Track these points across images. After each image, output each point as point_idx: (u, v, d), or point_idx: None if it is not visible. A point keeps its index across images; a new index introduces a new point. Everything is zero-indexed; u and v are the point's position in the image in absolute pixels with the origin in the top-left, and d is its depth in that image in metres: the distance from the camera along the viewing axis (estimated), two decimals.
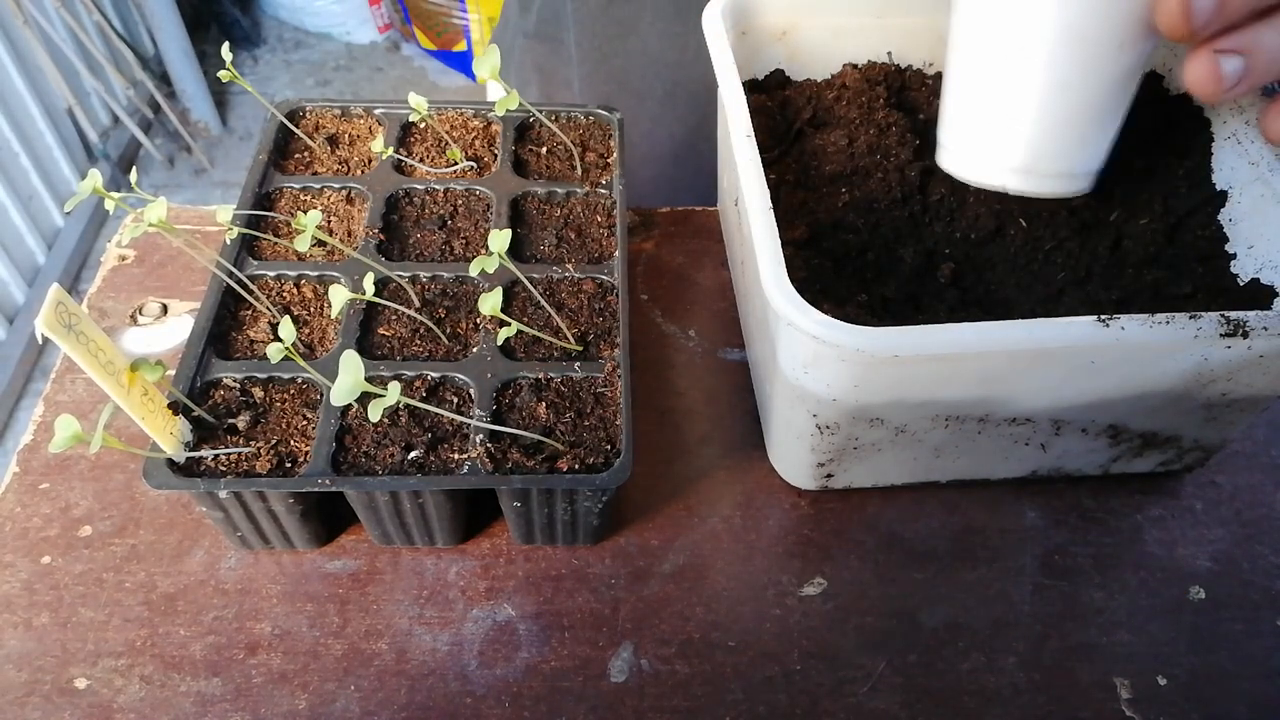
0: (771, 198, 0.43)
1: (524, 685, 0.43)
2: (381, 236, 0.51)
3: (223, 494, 0.41)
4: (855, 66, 0.57)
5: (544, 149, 0.57)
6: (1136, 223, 0.49)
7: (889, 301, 0.46)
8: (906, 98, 0.56)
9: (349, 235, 0.52)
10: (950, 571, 0.48)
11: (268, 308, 0.48)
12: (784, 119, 0.55)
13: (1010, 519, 0.50)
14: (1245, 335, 0.38)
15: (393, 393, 0.37)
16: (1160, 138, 0.51)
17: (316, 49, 2.61)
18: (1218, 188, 0.48)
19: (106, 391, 0.37)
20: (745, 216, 0.44)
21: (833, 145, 0.52)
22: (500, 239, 0.44)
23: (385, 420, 0.44)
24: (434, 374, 0.46)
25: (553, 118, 0.59)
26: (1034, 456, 0.48)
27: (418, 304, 0.49)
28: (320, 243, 0.51)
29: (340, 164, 0.56)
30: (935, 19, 0.56)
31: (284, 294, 0.49)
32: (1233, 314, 0.38)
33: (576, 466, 0.42)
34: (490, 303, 0.43)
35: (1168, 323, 0.38)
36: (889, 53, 0.57)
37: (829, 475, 0.48)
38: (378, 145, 0.53)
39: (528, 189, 0.54)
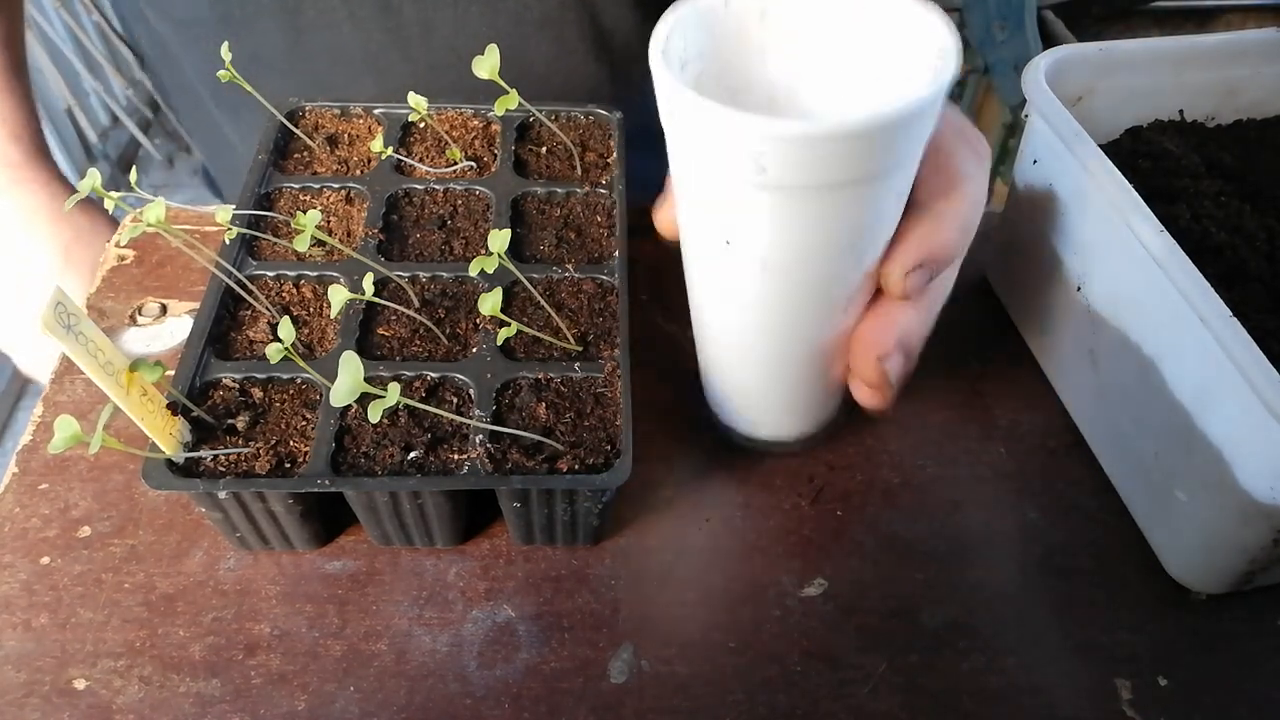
0: None
1: (524, 686, 0.43)
2: (381, 236, 0.51)
3: (222, 494, 0.41)
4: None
5: (544, 149, 0.57)
6: None
7: None
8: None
9: (348, 235, 0.52)
10: (950, 571, 0.48)
11: (267, 308, 0.48)
12: None
13: (1010, 519, 0.50)
14: None
15: (392, 393, 0.37)
16: None
17: None
18: None
19: (105, 392, 0.37)
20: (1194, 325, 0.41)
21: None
22: (500, 239, 0.43)
23: (385, 421, 0.44)
24: (434, 374, 0.45)
25: (553, 118, 0.58)
26: None
27: (417, 304, 0.49)
28: (320, 243, 0.50)
29: (340, 164, 0.56)
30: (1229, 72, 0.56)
31: (283, 294, 0.49)
32: None
33: (576, 467, 0.42)
34: (490, 303, 0.42)
35: None
36: (1180, 111, 0.56)
37: (1251, 576, 0.45)
38: (377, 145, 0.53)
39: (528, 189, 0.54)
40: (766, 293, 0.41)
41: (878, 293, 0.43)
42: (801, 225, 0.38)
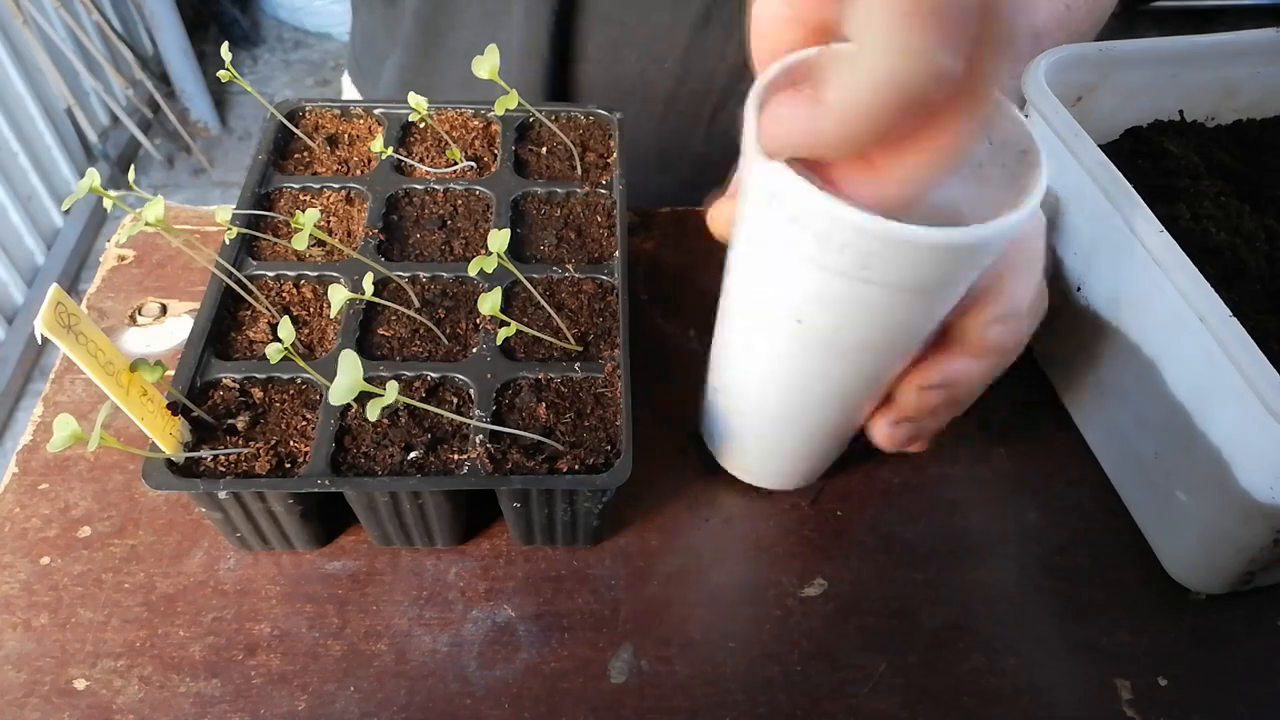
0: None
1: (524, 686, 0.43)
2: (381, 236, 0.51)
3: (222, 494, 0.41)
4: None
5: (544, 149, 0.57)
6: None
7: None
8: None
9: (349, 235, 0.52)
10: (950, 571, 0.48)
11: (267, 308, 0.48)
12: None
13: (1010, 519, 0.50)
14: None
15: (390, 392, 0.37)
16: None
17: (316, 49, 2.61)
18: None
19: (105, 392, 0.37)
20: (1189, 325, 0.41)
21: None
22: (500, 239, 0.43)
23: (385, 420, 0.44)
24: (434, 374, 0.45)
25: (553, 118, 0.58)
26: None
27: (417, 304, 0.49)
28: (320, 243, 0.51)
29: (340, 164, 0.56)
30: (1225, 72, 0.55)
31: (283, 294, 0.49)
32: None
33: (576, 467, 0.42)
34: (490, 303, 0.42)
35: None
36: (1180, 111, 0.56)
37: (1251, 576, 0.45)
38: (377, 145, 0.53)
39: (528, 189, 0.54)
40: (827, 372, 0.40)
41: (943, 340, 0.41)
42: (887, 318, 0.37)
